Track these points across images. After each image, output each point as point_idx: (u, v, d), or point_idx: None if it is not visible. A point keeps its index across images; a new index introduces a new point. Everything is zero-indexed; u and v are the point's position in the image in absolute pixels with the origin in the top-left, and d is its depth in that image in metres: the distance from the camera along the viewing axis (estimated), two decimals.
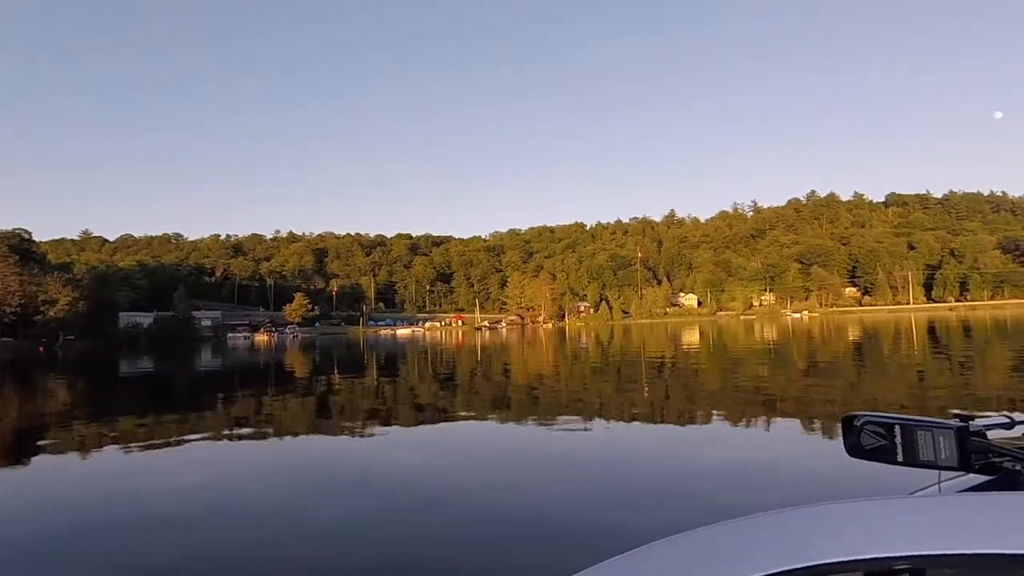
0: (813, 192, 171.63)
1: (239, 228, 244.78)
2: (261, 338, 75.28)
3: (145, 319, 70.56)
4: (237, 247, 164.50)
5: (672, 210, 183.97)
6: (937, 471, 0.77)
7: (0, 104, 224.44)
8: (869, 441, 0.79)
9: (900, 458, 0.78)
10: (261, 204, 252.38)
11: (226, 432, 9.66)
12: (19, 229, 75.25)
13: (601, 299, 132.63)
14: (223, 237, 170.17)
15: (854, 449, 0.81)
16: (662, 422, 9.35)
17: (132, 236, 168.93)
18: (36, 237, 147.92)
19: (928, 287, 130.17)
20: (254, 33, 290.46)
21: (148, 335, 63.95)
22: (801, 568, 0.56)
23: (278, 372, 24.57)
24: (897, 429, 0.78)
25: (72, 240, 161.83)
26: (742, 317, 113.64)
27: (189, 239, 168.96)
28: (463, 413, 10.94)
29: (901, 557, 0.55)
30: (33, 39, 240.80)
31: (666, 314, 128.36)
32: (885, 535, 0.60)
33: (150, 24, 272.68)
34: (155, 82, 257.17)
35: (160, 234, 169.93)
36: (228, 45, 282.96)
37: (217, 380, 22.41)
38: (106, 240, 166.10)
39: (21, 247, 69.17)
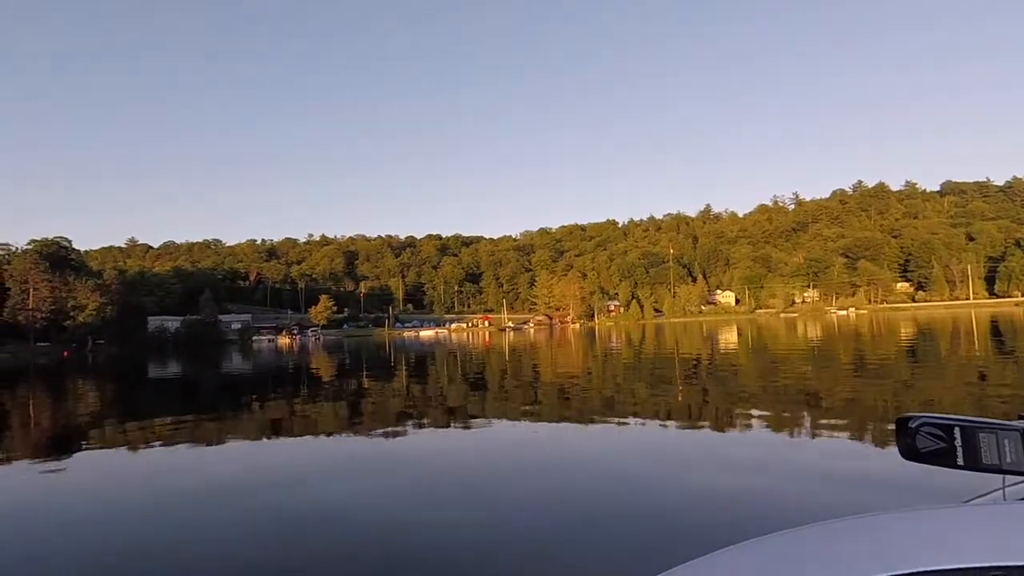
0: (860, 182, 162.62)
1: (275, 233, 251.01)
2: (283, 341, 75.70)
3: (173, 323, 71.78)
4: (271, 251, 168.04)
5: (708, 205, 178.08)
6: (1001, 475, 0.72)
7: (51, 119, 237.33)
8: (925, 444, 0.75)
9: (960, 462, 0.73)
10: (296, 209, 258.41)
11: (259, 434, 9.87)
12: (58, 237, 77.92)
13: (632, 298, 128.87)
14: (259, 242, 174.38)
15: (909, 452, 0.77)
16: (710, 430, 8.75)
17: (174, 243, 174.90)
18: (85, 246, 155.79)
19: (990, 281, 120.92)
20: (285, 41, 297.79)
21: (175, 339, 64.92)
22: (908, 574, 0.53)
23: (285, 376, 23.62)
24: (956, 431, 0.73)
25: (119, 248, 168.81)
26: (782, 315, 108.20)
27: (227, 244, 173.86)
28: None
29: (990, 568, 0.52)
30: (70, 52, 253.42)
31: (701, 312, 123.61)
32: (972, 544, 0.57)
33: (186, 35, 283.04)
34: (192, 92, 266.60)
35: (200, 240, 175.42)
36: (260, 54, 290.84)
37: (237, 385, 21.45)
38: (150, 247, 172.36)
39: (59, 255, 71.42)
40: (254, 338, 75.62)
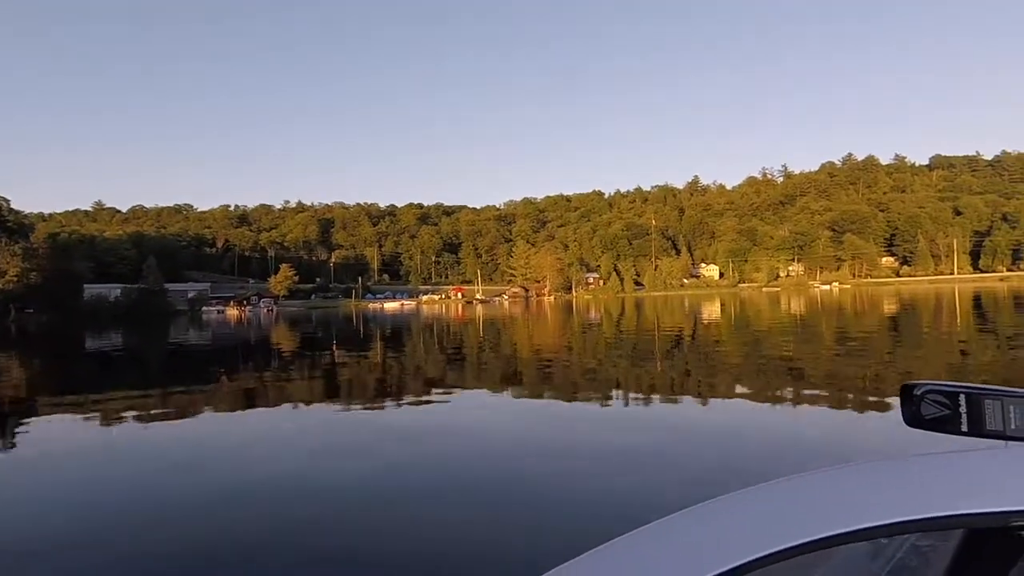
0: (850, 155, 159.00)
1: (251, 199, 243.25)
2: (232, 312, 71.51)
3: (114, 291, 67.27)
4: (243, 218, 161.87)
5: (696, 176, 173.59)
6: (1005, 442, 0.72)
7: (28, 84, 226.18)
8: (930, 411, 0.74)
9: (964, 428, 0.72)
10: (275, 176, 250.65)
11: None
12: None
13: (613, 270, 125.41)
14: (231, 208, 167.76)
15: (914, 419, 0.76)
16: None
17: (143, 207, 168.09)
18: (48, 209, 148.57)
19: (975, 256, 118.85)
20: (271, 9, 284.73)
21: (113, 309, 60.58)
22: (935, 517, 0.54)
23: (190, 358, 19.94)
24: (962, 398, 0.72)
25: (85, 211, 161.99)
26: (765, 289, 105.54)
27: (198, 210, 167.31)
28: None
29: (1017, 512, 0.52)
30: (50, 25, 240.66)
31: (682, 286, 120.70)
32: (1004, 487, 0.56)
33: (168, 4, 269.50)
34: (176, 59, 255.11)
35: (171, 205, 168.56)
36: (246, 20, 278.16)
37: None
38: (118, 211, 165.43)
39: None
40: (204, 309, 71.47)
